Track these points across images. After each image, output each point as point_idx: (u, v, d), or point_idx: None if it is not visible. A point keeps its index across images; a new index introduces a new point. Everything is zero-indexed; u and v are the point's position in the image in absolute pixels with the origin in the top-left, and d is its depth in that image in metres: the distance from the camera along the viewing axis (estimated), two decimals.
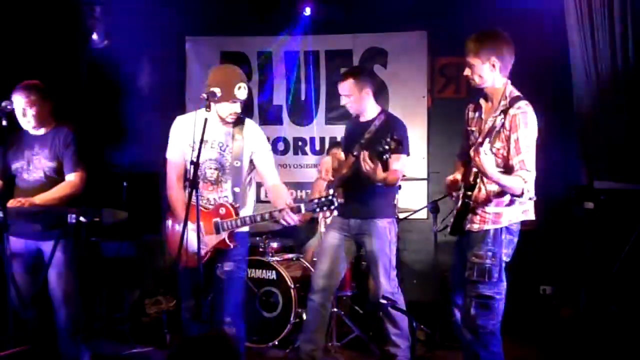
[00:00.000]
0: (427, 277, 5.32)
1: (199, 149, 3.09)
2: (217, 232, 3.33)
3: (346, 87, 4.04)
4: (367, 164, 3.63)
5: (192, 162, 3.08)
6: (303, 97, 6.24)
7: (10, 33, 4.97)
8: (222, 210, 3.35)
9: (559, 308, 4.79)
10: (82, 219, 3.23)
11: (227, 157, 3.40)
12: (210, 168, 3.40)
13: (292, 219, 3.23)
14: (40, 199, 3.61)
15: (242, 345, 3.59)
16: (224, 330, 3.32)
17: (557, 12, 4.81)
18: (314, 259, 4.94)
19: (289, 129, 6.26)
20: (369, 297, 5.23)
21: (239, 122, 3.45)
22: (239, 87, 3.29)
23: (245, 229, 3.48)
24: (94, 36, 5.77)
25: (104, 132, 4.33)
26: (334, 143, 5.74)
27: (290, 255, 5.17)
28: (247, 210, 3.49)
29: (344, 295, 4.93)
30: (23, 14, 5.13)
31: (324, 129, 6.19)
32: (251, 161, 3.48)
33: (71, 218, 3.20)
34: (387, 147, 3.51)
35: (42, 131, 3.82)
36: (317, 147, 6.23)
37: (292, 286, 4.72)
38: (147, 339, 4.79)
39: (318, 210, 3.25)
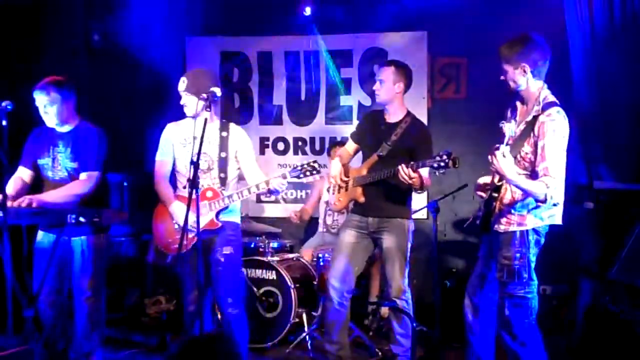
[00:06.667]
0: (427, 277, 5.31)
1: (199, 149, 3.19)
2: (205, 213, 3.58)
3: (385, 73, 4.01)
4: (409, 177, 3.67)
5: (192, 162, 3.21)
6: (303, 97, 6.24)
7: (10, 33, 4.97)
8: (210, 194, 3.64)
9: (559, 308, 4.78)
10: (81, 219, 3.21)
11: (216, 149, 3.69)
12: (202, 159, 3.61)
13: (281, 184, 3.53)
14: (49, 195, 3.62)
15: (246, 331, 3.72)
16: (230, 320, 3.61)
17: (557, 12, 4.81)
18: (314, 259, 4.95)
19: (289, 129, 6.26)
20: (370, 297, 5.24)
21: (225, 123, 3.77)
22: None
23: (237, 219, 3.77)
24: (94, 36, 5.78)
25: (104, 132, 4.35)
26: (334, 143, 5.74)
27: (290, 255, 5.17)
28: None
29: None
30: (23, 13, 5.14)
31: (324, 129, 6.19)
32: (235, 157, 3.73)
33: (71, 218, 3.19)
34: (442, 163, 3.55)
35: (66, 128, 3.81)
36: (317, 147, 6.23)
37: (292, 286, 4.72)
38: (147, 339, 4.79)
39: (302, 176, 3.55)
